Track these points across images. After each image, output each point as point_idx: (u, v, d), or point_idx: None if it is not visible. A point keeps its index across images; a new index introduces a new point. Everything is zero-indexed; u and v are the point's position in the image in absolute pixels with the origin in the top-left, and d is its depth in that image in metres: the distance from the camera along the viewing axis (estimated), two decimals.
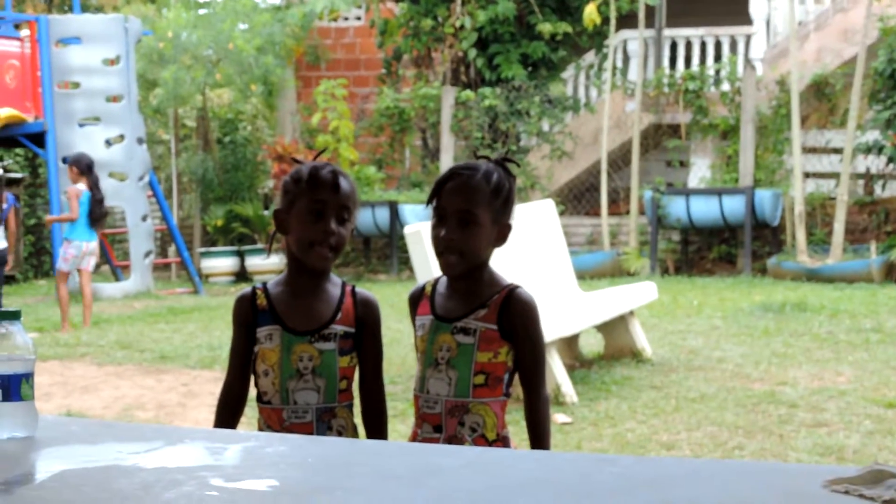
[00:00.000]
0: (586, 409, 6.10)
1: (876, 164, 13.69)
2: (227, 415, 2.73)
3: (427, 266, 6.04)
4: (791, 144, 13.01)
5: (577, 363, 7.39)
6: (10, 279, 15.51)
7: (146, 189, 13.95)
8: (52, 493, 1.62)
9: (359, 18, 18.86)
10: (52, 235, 12.99)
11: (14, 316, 1.99)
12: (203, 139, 17.63)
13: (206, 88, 17.11)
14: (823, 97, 14.38)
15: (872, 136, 13.22)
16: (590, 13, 14.14)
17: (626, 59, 15.80)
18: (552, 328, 6.01)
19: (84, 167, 10.20)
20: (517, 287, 2.65)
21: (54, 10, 18.67)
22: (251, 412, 2.73)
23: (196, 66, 16.23)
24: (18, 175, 16.38)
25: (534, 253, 7.12)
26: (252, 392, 2.73)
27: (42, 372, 7.14)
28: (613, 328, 7.50)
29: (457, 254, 2.59)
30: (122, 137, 13.65)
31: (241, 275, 15.57)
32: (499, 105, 15.48)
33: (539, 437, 2.64)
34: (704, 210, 13.46)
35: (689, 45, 15.75)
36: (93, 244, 10.23)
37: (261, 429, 2.65)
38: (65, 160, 10.44)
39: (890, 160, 13.10)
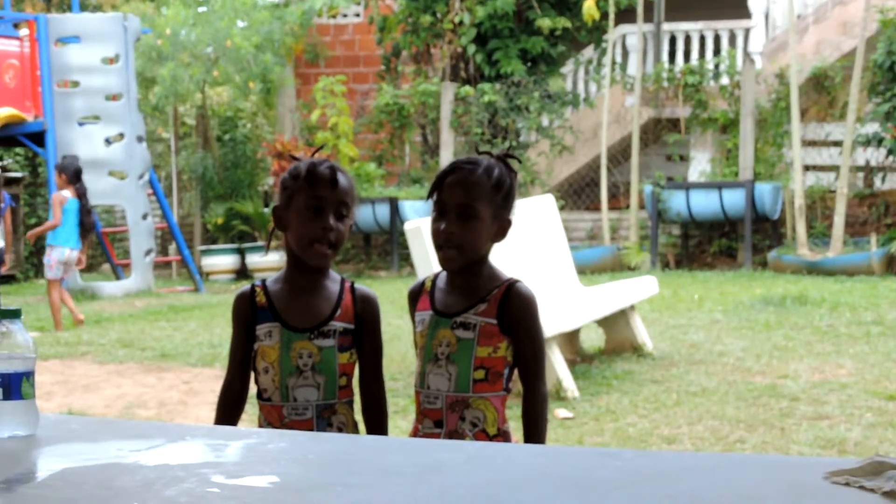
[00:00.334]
0: (587, 403, 6.10)
1: (875, 156, 13.69)
2: (228, 412, 2.73)
3: (427, 262, 6.04)
4: (791, 137, 13.01)
5: (578, 358, 7.39)
6: (10, 278, 15.52)
7: (146, 187, 13.94)
8: (53, 492, 1.62)
9: (358, 15, 18.85)
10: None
11: (14, 314, 1.99)
12: (203, 137, 17.63)
13: (206, 86, 17.11)
14: (823, 90, 14.37)
15: (872, 128, 13.21)
16: (589, 8, 14.14)
17: (626, 53, 15.79)
18: (553, 323, 6.02)
19: (72, 175, 10.14)
20: (517, 281, 2.65)
21: (53, 9, 18.67)
22: (252, 409, 2.74)
23: (195, 64, 16.23)
24: (18, 174, 16.38)
25: (534, 248, 7.12)
26: (252, 389, 2.73)
27: (43, 371, 7.14)
28: (614, 323, 7.50)
29: (456, 247, 2.59)
30: (121, 136, 13.65)
31: (242, 272, 15.58)
32: (498, 101, 15.47)
33: (533, 433, 2.63)
34: (704, 204, 13.46)
35: (688, 39, 15.74)
36: (76, 252, 10.12)
37: (261, 426, 2.65)
38: (60, 167, 10.38)
39: (889, 152, 13.09)
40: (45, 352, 8.27)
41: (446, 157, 15.19)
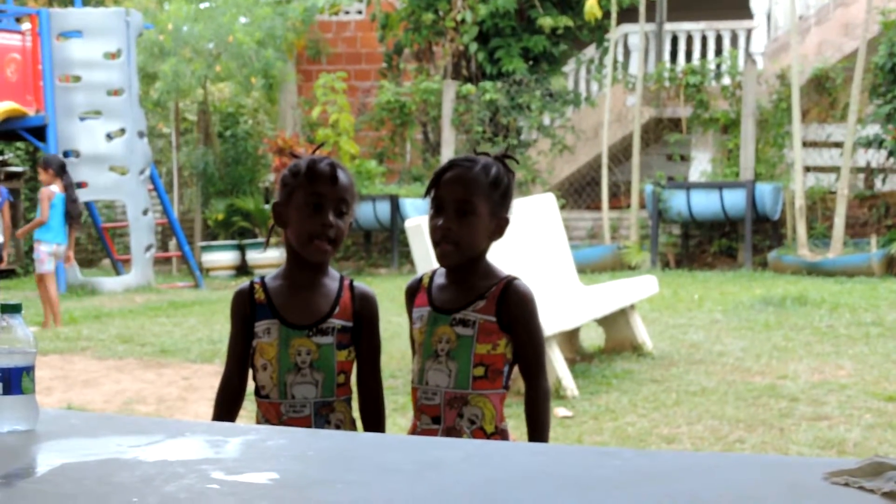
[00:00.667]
0: (587, 402, 6.10)
1: (876, 157, 13.69)
2: (226, 409, 2.72)
3: (428, 259, 6.03)
4: (792, 138, 13.01)
5: (578, 357, 7.39)
6: (9, 273, 15.52)
7: (147, 183, 13.94)
8: (52, 487, 1.62)
9: (360, 12, 18.85)
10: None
11: (15, 309, 1.99)
12: (204, 133, 17.63)
13: (207, 82, 17.11)
14: (824, 91, 14.37)
15: (873, 130, 13.22)
16: (591, 7, 14.14)
17: (627, 52, 15.79)
18: (553, 322, 6.02)
19: (57, 168, 10.16)
20: (515, 279, 2.65)
21: (55, 4, 18.65)
22: (250, 406, 2.73)
23: (197, 60, 16.23)
24: (19, 169, 16.38)
25: (535, 247, 7.12)
26: (250, 386, 2.72)
27: (43, 366, 7.13)
28: (614, 322, 7.50)
29: (453, 243, 2.59)
30: (122, 131, 13.65)
31: (242, 269, 15.58)
32: (500, 99, 15.48)
33: (537, 430, 2.63)
34: (705, 204, 13.47)
35: (689, 39, 15.74)
36: (63, 247, 10.13)
37: (259, 423, 2.64)
38: (44, 161, 10.41)
39: (890, 154, 13.10)
40: (44, 347, 8.27)
41: (447, 155, 15.19)
